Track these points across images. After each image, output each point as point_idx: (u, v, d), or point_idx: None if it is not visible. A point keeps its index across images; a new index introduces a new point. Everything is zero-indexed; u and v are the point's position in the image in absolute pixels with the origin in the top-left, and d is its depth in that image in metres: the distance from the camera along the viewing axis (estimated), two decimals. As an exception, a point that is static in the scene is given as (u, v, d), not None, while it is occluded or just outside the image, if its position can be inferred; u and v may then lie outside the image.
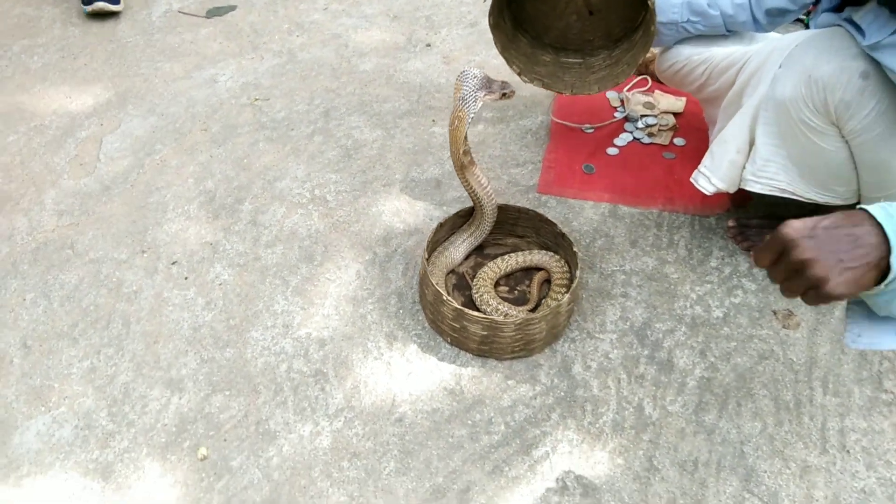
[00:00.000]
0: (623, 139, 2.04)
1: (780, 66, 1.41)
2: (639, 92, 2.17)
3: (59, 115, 2.14)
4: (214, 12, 2.55)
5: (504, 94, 1.43)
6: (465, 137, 1.50)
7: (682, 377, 1.49)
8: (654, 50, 1.92)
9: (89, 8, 2.46)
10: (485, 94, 1.42)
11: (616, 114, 2.12)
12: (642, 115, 2.09)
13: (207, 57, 2.36)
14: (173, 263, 1.72)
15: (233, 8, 2.58)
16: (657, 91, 2.16)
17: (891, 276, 0.86)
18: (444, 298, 1.46)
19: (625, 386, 1.47)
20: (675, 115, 2.10)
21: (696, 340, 1.56)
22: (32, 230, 1.80)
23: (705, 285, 1.66)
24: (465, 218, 1.70)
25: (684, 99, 2.13)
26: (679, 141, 2.03)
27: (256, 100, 2.18)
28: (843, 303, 1.20)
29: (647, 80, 2.21)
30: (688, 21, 1.66)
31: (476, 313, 1.44)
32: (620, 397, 1.45)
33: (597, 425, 1.41)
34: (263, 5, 2.60)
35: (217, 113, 2.14)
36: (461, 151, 1.51)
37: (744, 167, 1.53)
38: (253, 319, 1.60)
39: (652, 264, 1.71)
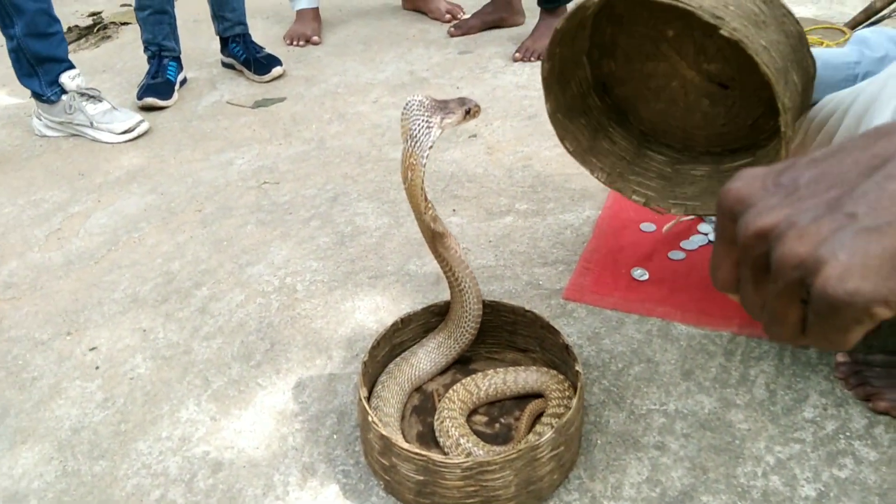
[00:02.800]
0: (695, 242, 1.54)
1: None
2: (723, 188, 1.68)
3: (61, 191, 1.99)
4: (262, 103, 2.41)
5: (468, 112, 1.03)
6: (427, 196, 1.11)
7: (735, 591, 0.90)
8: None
9: (140, 102, 2.42)
10: (442, 119, 1.02)
11: (689, 212, 1.63)
12: (724, 215, 1.58)
13: (234, 142, 2.18)
14: (92, 349, 1.40)
15: (282, 100, 2.43)
16: (748, 188, 1.66)
17: None
18: (369, 420, 1.01)
19: (635, 593, 0.91)
20: (771, 215, 1.58)
21: (768, 531, 0.97)
22: (-29, 301, 1.57)
23: (792, 446, 1.08)
24: (439, 316, 1.26)
25: (786, 198, 1.60)
26: (772, 247, 1.49)
27: (265, 183, 1.93)
28: None
29: (736, 175, 1.72)
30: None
31: (408, 447, 0.97)
32: None
33: None
34: (313, 97, 2.43)
35: (218, 194, 1.89)
36: (427, 214, 1.11)
37: None
38: (148, 426, 1.22)
39: (710, 406, 1.16)
